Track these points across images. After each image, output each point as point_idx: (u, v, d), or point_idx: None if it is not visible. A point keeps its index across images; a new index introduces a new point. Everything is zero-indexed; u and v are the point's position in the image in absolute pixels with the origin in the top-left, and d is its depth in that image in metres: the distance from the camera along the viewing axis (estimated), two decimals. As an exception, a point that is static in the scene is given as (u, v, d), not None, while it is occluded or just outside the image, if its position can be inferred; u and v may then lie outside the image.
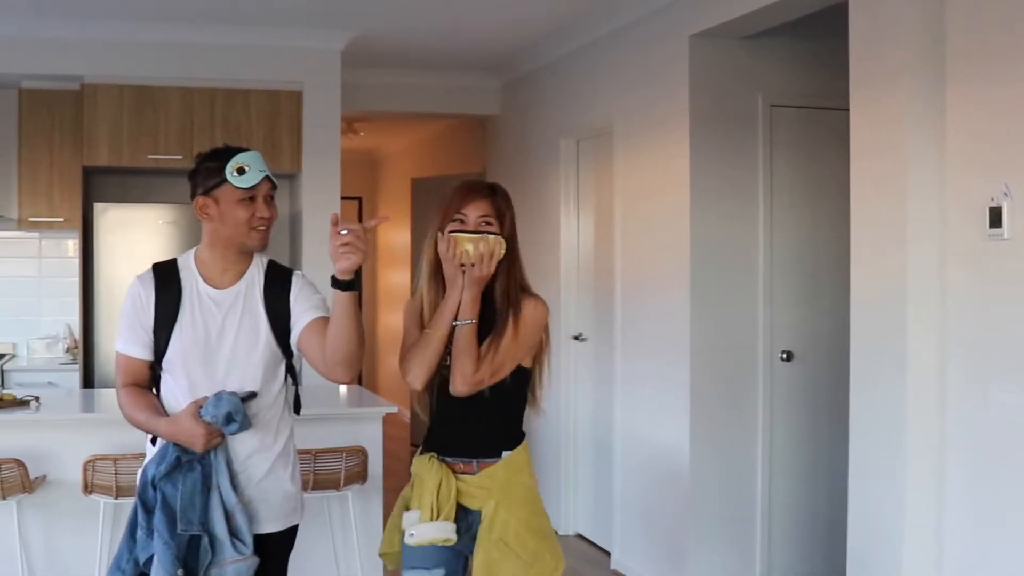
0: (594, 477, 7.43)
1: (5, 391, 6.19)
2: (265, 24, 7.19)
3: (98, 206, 7.48)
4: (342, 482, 5.14)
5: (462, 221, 3.42)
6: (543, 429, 7.77)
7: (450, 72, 8.66)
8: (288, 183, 8.06)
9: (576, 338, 7.52)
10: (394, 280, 13.00)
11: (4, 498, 4.90)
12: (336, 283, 3.17)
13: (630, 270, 6.67)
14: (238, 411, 3.26)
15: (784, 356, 6.05)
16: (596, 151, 7.31)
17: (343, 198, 7.78)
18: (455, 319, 3.38)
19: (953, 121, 4.33)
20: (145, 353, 3.42)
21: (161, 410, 3.38)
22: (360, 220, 13.74)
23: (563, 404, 7.59)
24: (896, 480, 4.46)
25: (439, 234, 3.42)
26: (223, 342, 3.39)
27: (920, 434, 4.40)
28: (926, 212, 4.39)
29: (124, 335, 3.43)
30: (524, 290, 3.52)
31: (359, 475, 5.24)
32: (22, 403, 5.32)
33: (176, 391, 3.39)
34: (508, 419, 3.53)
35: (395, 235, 12.77)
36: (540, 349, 3.54)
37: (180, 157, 7.30)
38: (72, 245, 7.77)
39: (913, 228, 4.40)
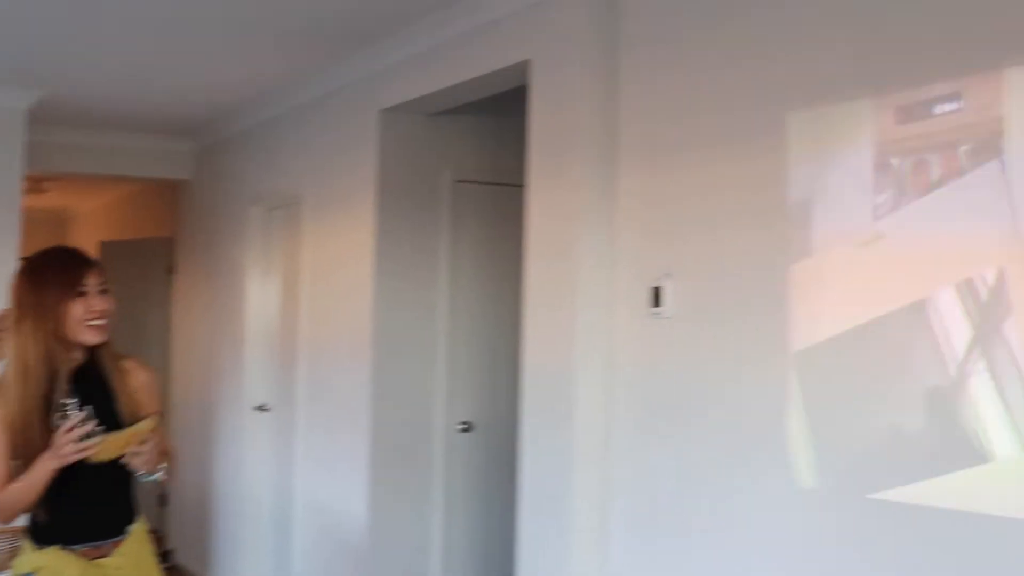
0: (275, 546, 7.32)
1: None
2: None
3: None
4: None
5: (83, 293, 3.25)
6: (225, 498, 7.61)
7: (142, 135, 8.50)
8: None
9: (259, 409, 7.42)
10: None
11: None
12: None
13: (315, 341, 6.66)
14: None
15: (463, 427, 6.13)
16: (286, 220, 7.30)
17: (24, 259, 7.48)
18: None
19: (623, 202, 4.52)
20: None
21: None
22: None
23: (245, 474, 7.46)
24: (562, 547, 4.57)
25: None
26: None
27: (586, 503, 4.52)
28: (595, 290, 4.54)
29: None
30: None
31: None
32: None
33: None
34: (129, 495, 3.46)
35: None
36: None
37: None
38: None
39: (582, 304, 4.54)
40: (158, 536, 9.61)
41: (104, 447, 3.17)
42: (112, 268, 10.14)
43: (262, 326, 7.52)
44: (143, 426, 3.23)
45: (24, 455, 3.20)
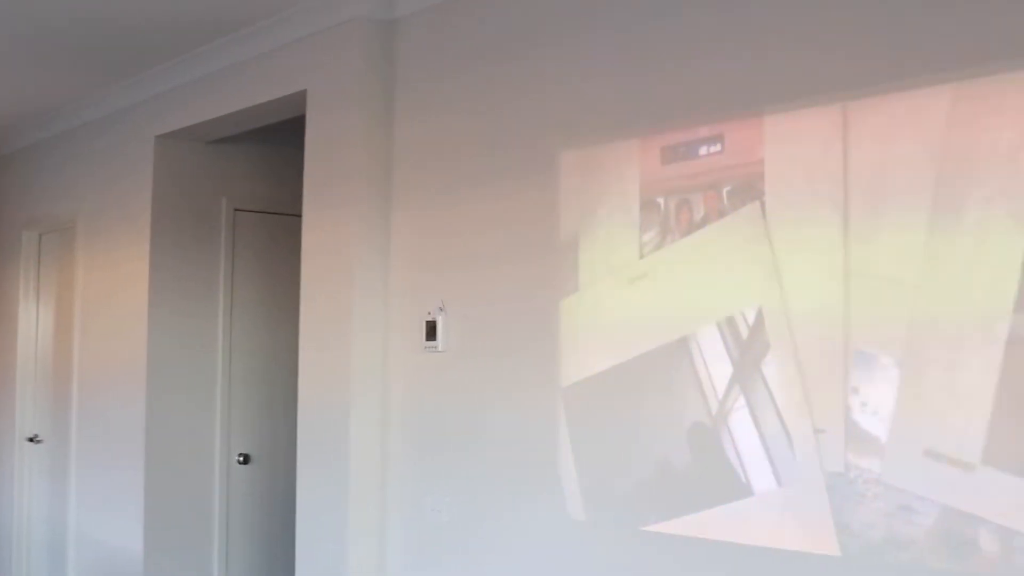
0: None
1: None
2: None
3: None
4: None
5: None
6: (-9, 535, 7.36)
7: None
8: None
9: (31, 440, 7.17)
10: None
11: None
12: None
13: (88, 370, 6.48)
14: None
15: (241, 459, 6.05)
16: (60, 245, 7.09)
17: None
18: None
19: (397, 240, 4.56)
20: None
21: None
22: None
23: (16, 507, 7.20)
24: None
25: None
26: None
27: (362, 535, 4.54)
28: (371, 323, 4.57)
29: None
30: None
31: None
32: None
33: None
34: None
35: None
36: None
37: None
38: None
39: (358, 337, 4.56)
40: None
41: None
42: None
43: (34, 354, 7.28)
44: None
45: None
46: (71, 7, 4.87)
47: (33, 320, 7.29)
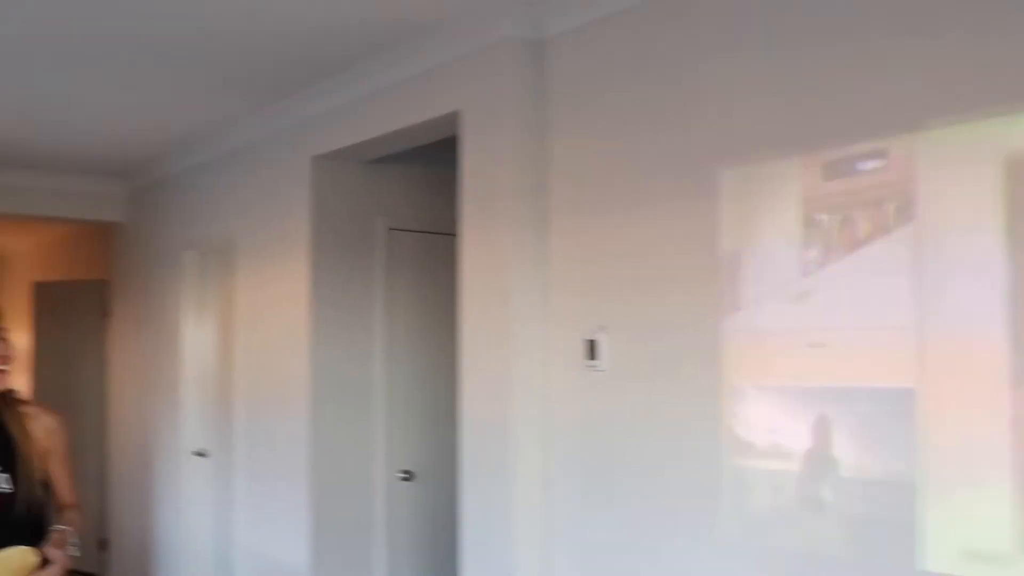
0: (213, 597, 7.26)
1: None
2: None
3: None
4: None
5: None
6: (165, 544, 7.55)
7: (73, 176, 8.39)
8: None
9: (198, 454, 7.35)
10: (18, 385, 12.35)
11: None
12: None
13: (251, 386, 6.61)
14: None
15: (403, 475, 6.10)
16: (220, 265, 7.24)
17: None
18: None
19: (555, 253, 4.54)
20: None
21: None
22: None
23: (185, 520, 7.38)
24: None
25: None
26: None
27: (527, 553, 4.53)
28: (530, 341, 4.56)
29: None
30: None
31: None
32: None
33: None
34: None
35: (16, 340, 12.16)
36: None
37: None
38: None
39: (518, 355, 4.56)
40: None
41: None
42: (47, 309, 10.07)
43: (199, 371, 7.45)
44: (27, 561, 3.15)
45: None
46: (228, 33, 4.98)
47: (197, 337, 7.46)
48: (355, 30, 4.91)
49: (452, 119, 4.95)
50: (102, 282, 9.69)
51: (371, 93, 5.47)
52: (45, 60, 5.46)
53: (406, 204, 6.21)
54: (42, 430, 3.32)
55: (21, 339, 11.42)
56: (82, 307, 10.01)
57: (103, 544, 9.63)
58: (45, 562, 3.18)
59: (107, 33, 5.09)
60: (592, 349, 4.34)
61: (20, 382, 11.34)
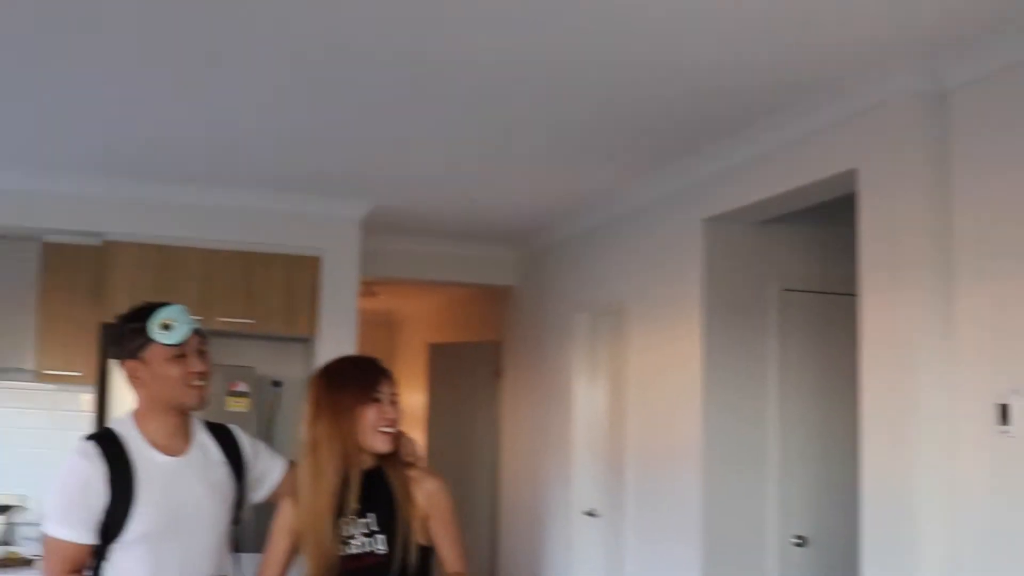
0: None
1: (12, 548, 6.17)
2: (288, 190, 7.28)
3: (114, 362, 7.47)
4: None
5: (377, 399, 3.28)
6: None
7: (468, 243, 8.76)
8: (302, 347, 8.09)
9: (588, 514, 7.44)
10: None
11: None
12: None
13: (642, 447, 6.65)
14: None
15: (797, 541, 5.97)
16: (611, 327, 7.35)
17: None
18: None
19: (962, 314, 4.35)
20: (90, 536, 3.06)
21: None
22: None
23: (573, 579, 7.50)
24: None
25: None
26: (191, 514, 3.15)
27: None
28: (935, 403, 4.38)
29: (62, 518, 3.06)
30: None
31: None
32: (27, 562, 5.29)
33: (130, 568, 3.09)
34: None
35: (411, 398, 12.75)
36: None
37: (200, 318, 7.27)
38: (86, 399, 7.77)
39: (922, 418, 4.39)
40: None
41: None
42: (439, 370, 10.52)
43: (589, 431, 7.56)
44: None
45: (313, 556, 3.20)
46: (635, 100, 5.10)
47: (588, 398, 7.58)
48: (754, 91, 4.91)
49: (848, 177, 4.87)
50: (494, 343, 10.03)
51: (765, 153, 5.44)
52: (438, 137, 5.82)
53: (799, 264, 6.12)
54: (423, 494, 3.36)
55: (416, 398, 11.98)
56: (474, 367, 10.37)
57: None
58: None
59: (518, 116, 5.40)
60: (1004, 414, 4.12)
61: (416, 439, 11.84)
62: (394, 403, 3.31)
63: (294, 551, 3.30)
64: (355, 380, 3.29)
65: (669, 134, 5.63)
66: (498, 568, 9.39)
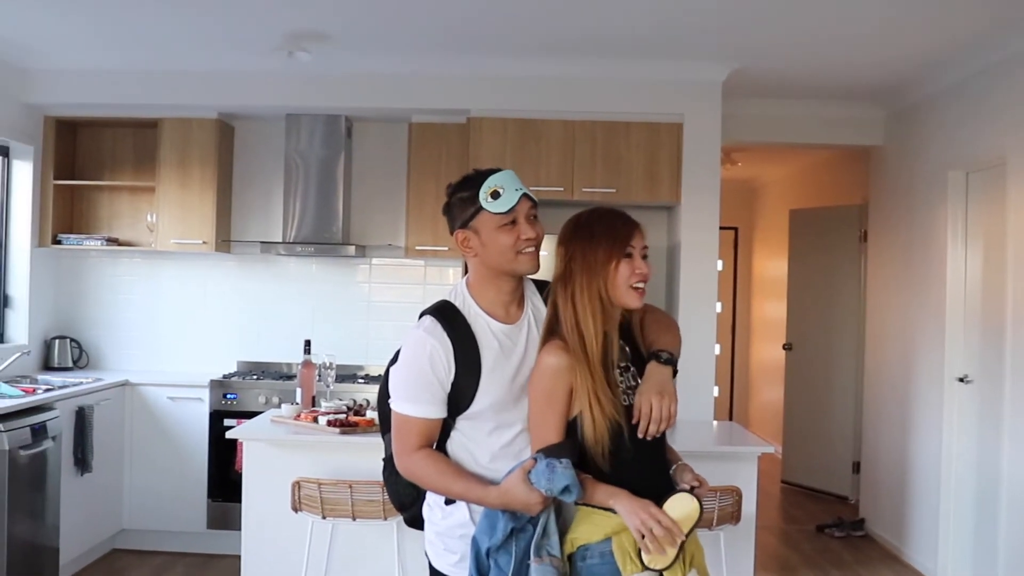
0: (976, 528, 7.04)
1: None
2: (646, 57, 7.23)
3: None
4: (715, 522, 5.03)
5: (629, 255, 3.08)
6: (922, 471, 7.46)
7: (832, 102, 8.46)
8: (666, 215, 8.08)
9: (961, 380, 7.15)
10: (769, 312, 12.81)
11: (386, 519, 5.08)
12: (655, 356, 3.06)
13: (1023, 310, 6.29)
14: (575, 483, 2.92)
15: None
16: (987, 184, 6.96)
17: (720, 228, 7.70)
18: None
19: None
20: (441, 411, 3.11)
21: (477, 478, 3.09)
22: (735, 250, 13.65)
23: (944, 448, 7.23)
24: None
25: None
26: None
27: None
28: None
29: (414, 395, 3.09)
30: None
31: (732, 515, 5.06)
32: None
33: (478, 440, 3.14)
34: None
35: (772, 266, 12.59)
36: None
37: (561, 189, 7.44)
38: (454, 273, 8.07)
39: None
40: (850, 504, 9.63)
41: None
42: (800, 236, 10.42)
43: (961, 294, 7.22)
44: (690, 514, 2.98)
45: (597, 417, 2.99)
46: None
47: (961, 262, 7.23)
48: None
49: None
50: (858, 207, 9.75)
51: None
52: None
53: None
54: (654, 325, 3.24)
55: (778, 265, 11.83)
56: (838, 232, 10.14)
57: (855, 467, 9.75)
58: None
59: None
60: None
61: (776, 307, 11.71)
62: (645, 257, 3.16)
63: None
64: (607, 234, 3.08)
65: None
66: (861, 434, 9.23)
